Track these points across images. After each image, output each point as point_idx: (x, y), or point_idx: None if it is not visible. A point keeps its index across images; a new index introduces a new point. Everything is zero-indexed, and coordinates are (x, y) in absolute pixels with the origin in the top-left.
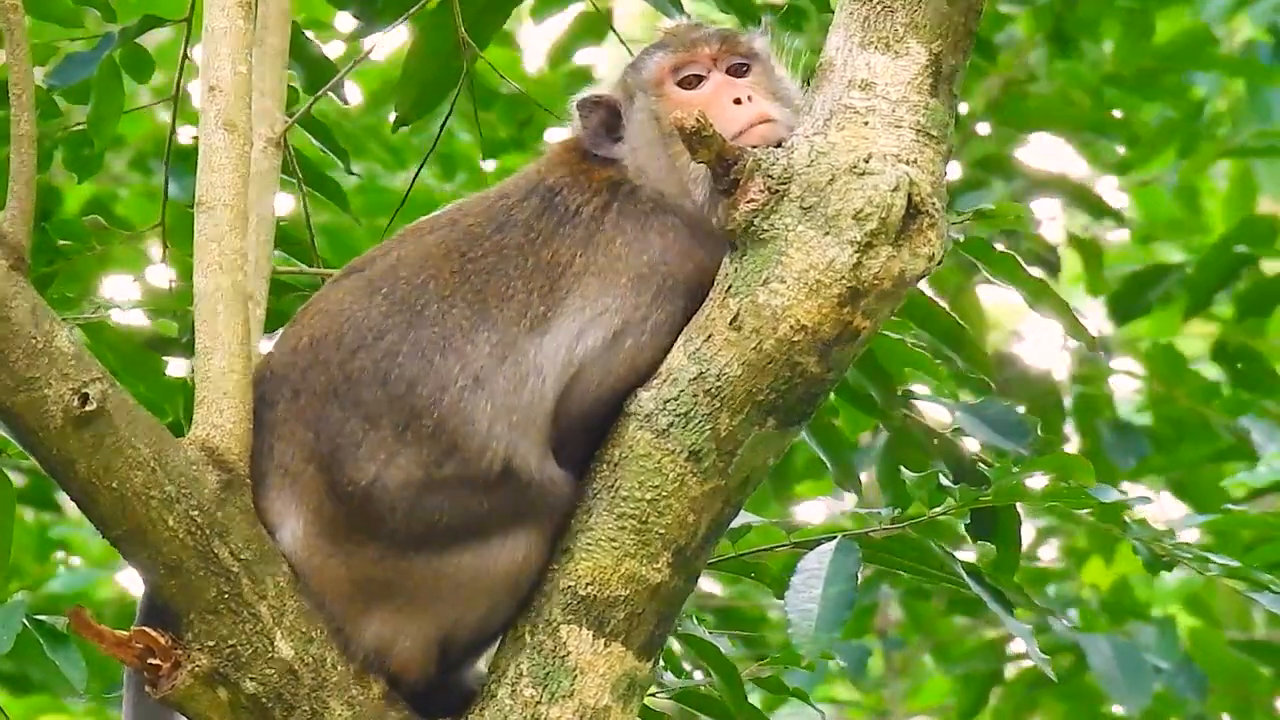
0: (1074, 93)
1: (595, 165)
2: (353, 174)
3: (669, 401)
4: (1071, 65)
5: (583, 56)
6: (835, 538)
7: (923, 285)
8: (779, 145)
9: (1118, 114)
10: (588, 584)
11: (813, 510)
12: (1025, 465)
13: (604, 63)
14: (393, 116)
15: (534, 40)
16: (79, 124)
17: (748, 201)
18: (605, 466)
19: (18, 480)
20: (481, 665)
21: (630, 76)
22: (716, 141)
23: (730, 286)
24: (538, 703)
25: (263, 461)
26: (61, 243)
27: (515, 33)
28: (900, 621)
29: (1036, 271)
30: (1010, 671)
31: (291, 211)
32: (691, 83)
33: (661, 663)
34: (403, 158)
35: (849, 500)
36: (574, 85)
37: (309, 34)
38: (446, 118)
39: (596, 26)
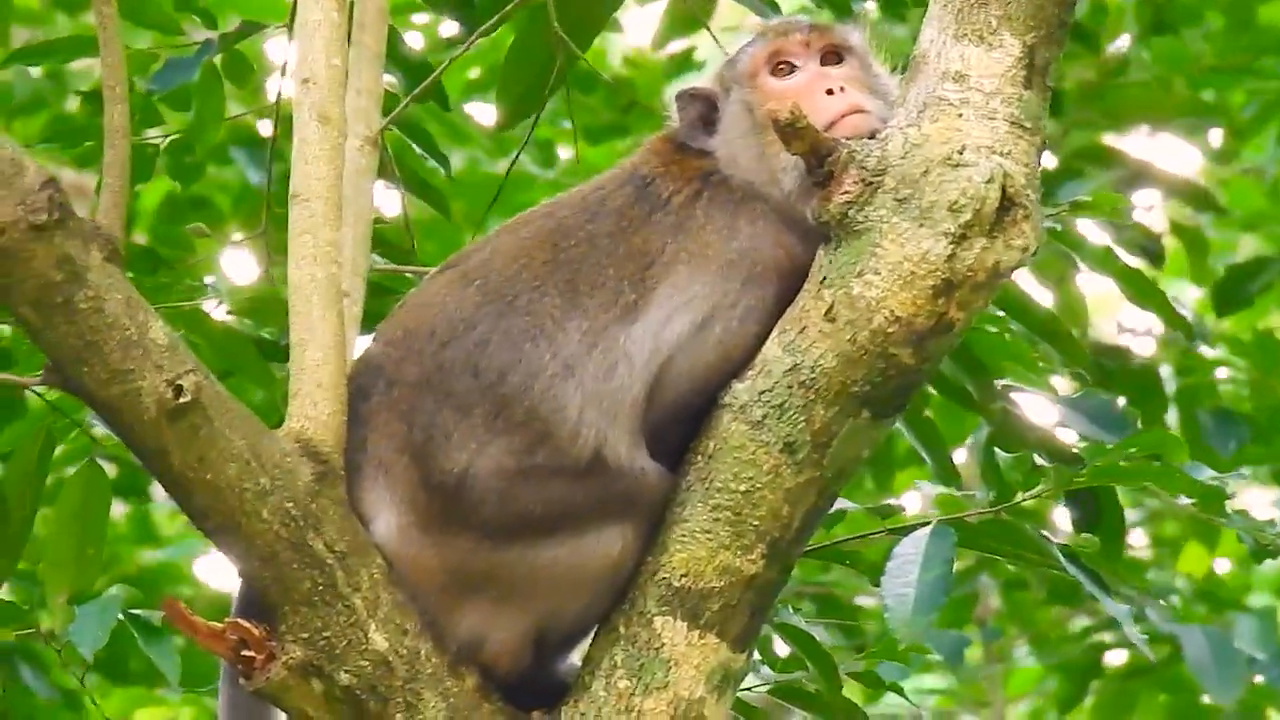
0: (1174, 81)
1: (689, 156)
2: (452, 179)
3: (763, 393)
4: (1174, 49)
5: (685, 43)
6: (930, 523)
7: (1023, 275)
8: (872, 136)
9: (1209, 98)
10: (682, 575)
11: (911, 498)
12: (1120, 445)
13: (707, 48)
14: (493, 118)
15: (637, 20)
16: (177, 132)
17: (842, 193)
18: (700, 458)
19: (111, 471)
20: (576, 657)
21: (726, 69)
22: (810, 133)
23: (825, 278)
24: (632, 694)
25: (357, 453)
26: (165, 251)
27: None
28: (999, 611)
29: (1138, 261)
30: (1108, 663)
31: (392, 215)
32: (785, 72)
33: (757, 655)
34: (505, 144)
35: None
36: (675, 71)
37: (405, 36)
38: (537, 116)
39: (693, 19)
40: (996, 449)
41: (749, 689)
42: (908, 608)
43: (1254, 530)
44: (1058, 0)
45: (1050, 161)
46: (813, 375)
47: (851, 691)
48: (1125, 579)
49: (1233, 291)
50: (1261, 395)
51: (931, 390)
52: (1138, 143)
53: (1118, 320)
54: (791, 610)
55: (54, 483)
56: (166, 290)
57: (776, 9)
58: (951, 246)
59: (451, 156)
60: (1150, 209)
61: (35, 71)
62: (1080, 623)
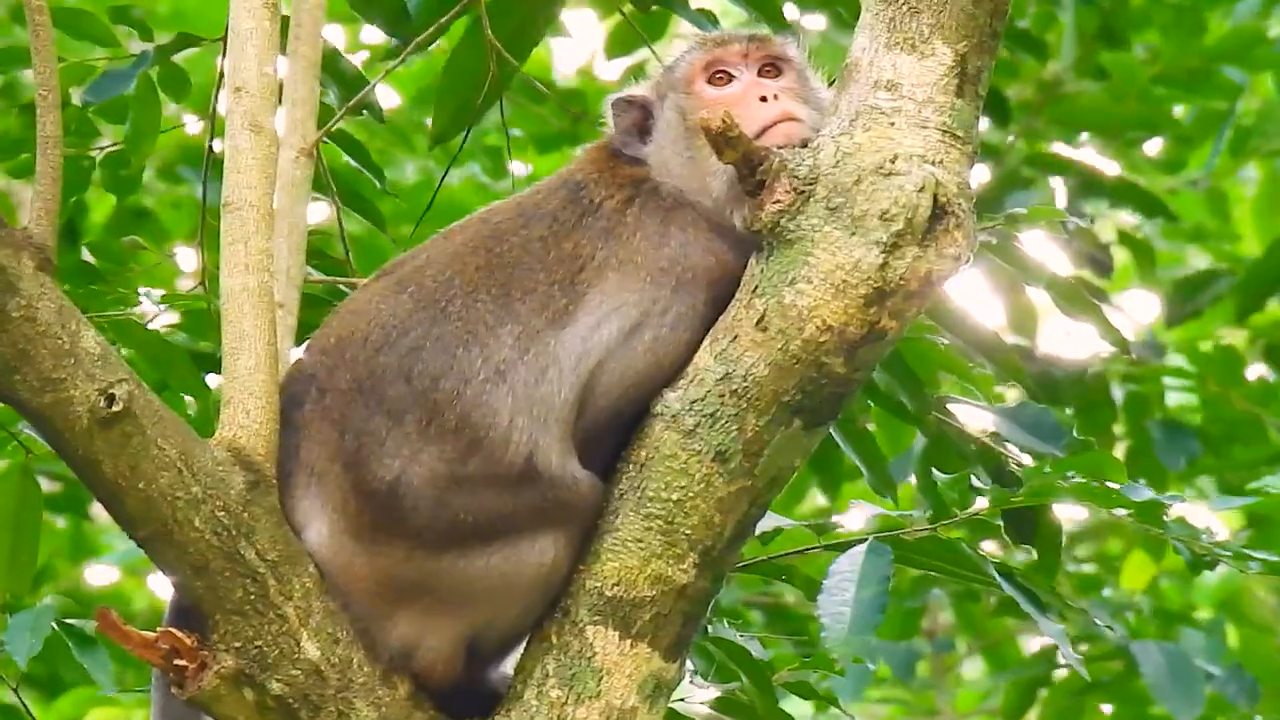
0: (1120, 91)
1: (623, 163)
2: (387, 193)
3: (695, 402)
4: (1120, 61)
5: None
6: (867, 540)
7: (975, 283)
8: (804, 145)
9: (1176, 110)
10: (614, 585)
11: (855, 515)
12: (1058, 465)
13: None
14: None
15: (585, 30)
16: (116, 144)
17: (774, 202)
18: (632, 467)
19: (51, 487)
20: (508, 666)
21: (664, 76)
22: (742, 142)
23: (756, 287)
24: (564, 703)
25: (289, 461)
26: (100, 264)
27: (564, 24)
28: (949, 623)
29: (1084, 272)
30: (1061, 674)
31: (325, 224)
32: (722, 81)
33: (694, 666)
34: (453, 153)
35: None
36: (625, 82)
37: (341, 49)
38: (470, 125)
39: (649, 29)
40: (934, 468)
41: (683, 699)
42: (844, 626)
43: (1189, 540)
44: (990, 9)
45: (994, 171)
46: (745, 384)
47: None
48: (1072, 595)
49: (1181, 304)
50: (1216, 408)
51: (869, 402)
52: (1086, 152)
53: (1067, 329)
54: (729, 624)
55: None
56: (99, 299)
57: (715, 23)
58: (883, 255)
59: (402, 167)
60: (1093, 220)
61: None
62: (1033, 633)
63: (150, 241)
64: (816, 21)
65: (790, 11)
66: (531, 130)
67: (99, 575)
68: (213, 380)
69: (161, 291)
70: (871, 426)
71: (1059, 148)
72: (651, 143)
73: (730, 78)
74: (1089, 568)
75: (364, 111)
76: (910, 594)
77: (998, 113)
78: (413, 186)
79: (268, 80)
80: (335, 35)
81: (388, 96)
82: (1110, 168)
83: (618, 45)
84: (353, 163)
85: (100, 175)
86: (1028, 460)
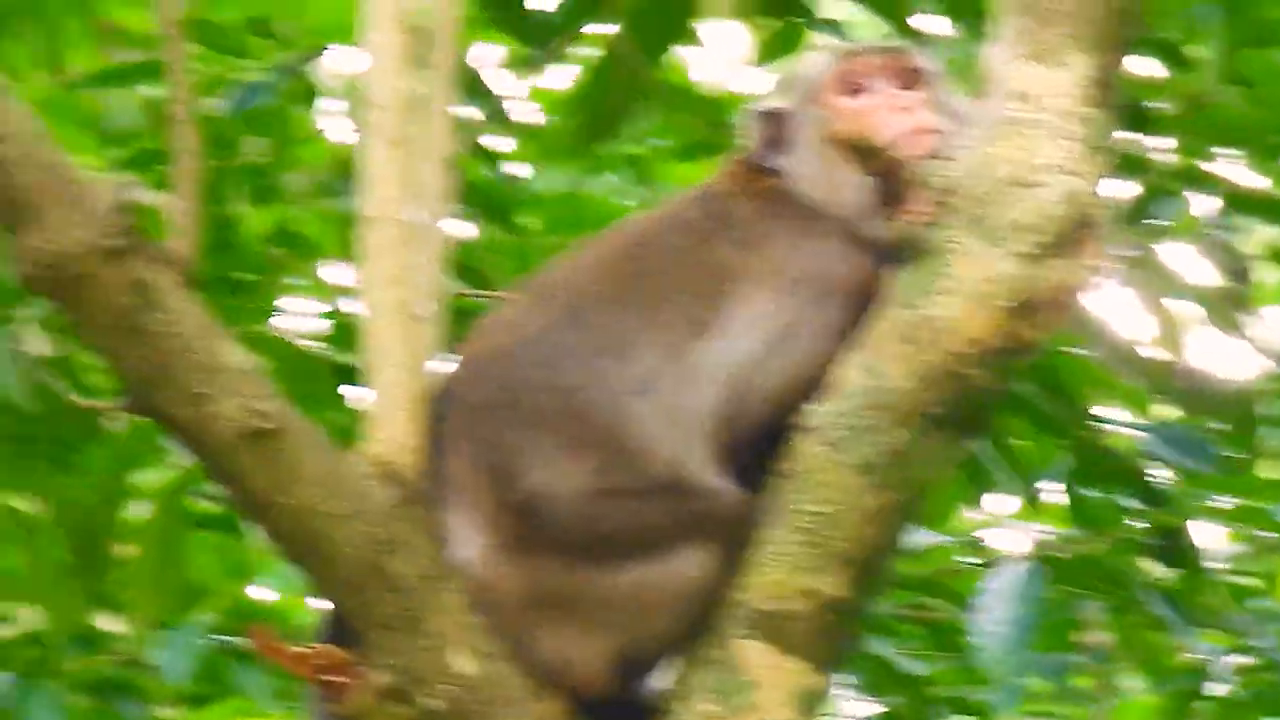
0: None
1: (761, 174)
2: (525, 203)
3: (841, 415)
4: (1263, 63)
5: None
6: (1021, 557)
7: (1120, 296)
8: (941, 157)
9: None
10: (765, 598)
11: (1006, 532)
12: (1208, 487)
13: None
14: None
15: (727, 39)
16: (255, 155)
17: (913, 213)
18: (779, 480)
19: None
20: (659, 680)
21: (800, 88)
22: (880, 154)
23: (900, 299)
24: (717, 717)
25: (435, 476)
26: (241, 275)
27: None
28: (1107, 637)
29: (1228, 283)
30: (1217, 689)
31: (468, 238)
32: (858, 92)
33: (847, 680)
34: (599, 163)
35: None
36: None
37: (483, 61)
38: (611, 132)
39: (792, 40)
40: (1083, 483)
41: (838, 715)
42: (999, 644)
43: None
44: (1125, 18)
45: (1136, 184)
46: (888, 396)
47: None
48: (1228, 605)
49: None
50: None
51: (1017, 415)
52: (1234, 166)
53: (1212, 344)
54: (887, 638)
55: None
56: (243, 314)
57: (841, 32)
58: (1023, 266)
59: (544, 177)
60: (1242, 233)
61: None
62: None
63: (299, 254)
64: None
65: (922, 21)
66: (676, 139)
67: (260, 594)
68: (356, 394)
69: (303, 303)
70: (1021, 441)
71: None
72: (789, 154)
73: (866, 90)
74: (1245, 580)
75: (502, 122)
76: (1063, 606)
77: (1140, 125)
78: (554, 199)
79: (404, 94)
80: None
81: (529, 110)
82: (1259, 182)
83: (760, 55)
84: (490, 173)
85: (241, 188)
86: (1170, 475)
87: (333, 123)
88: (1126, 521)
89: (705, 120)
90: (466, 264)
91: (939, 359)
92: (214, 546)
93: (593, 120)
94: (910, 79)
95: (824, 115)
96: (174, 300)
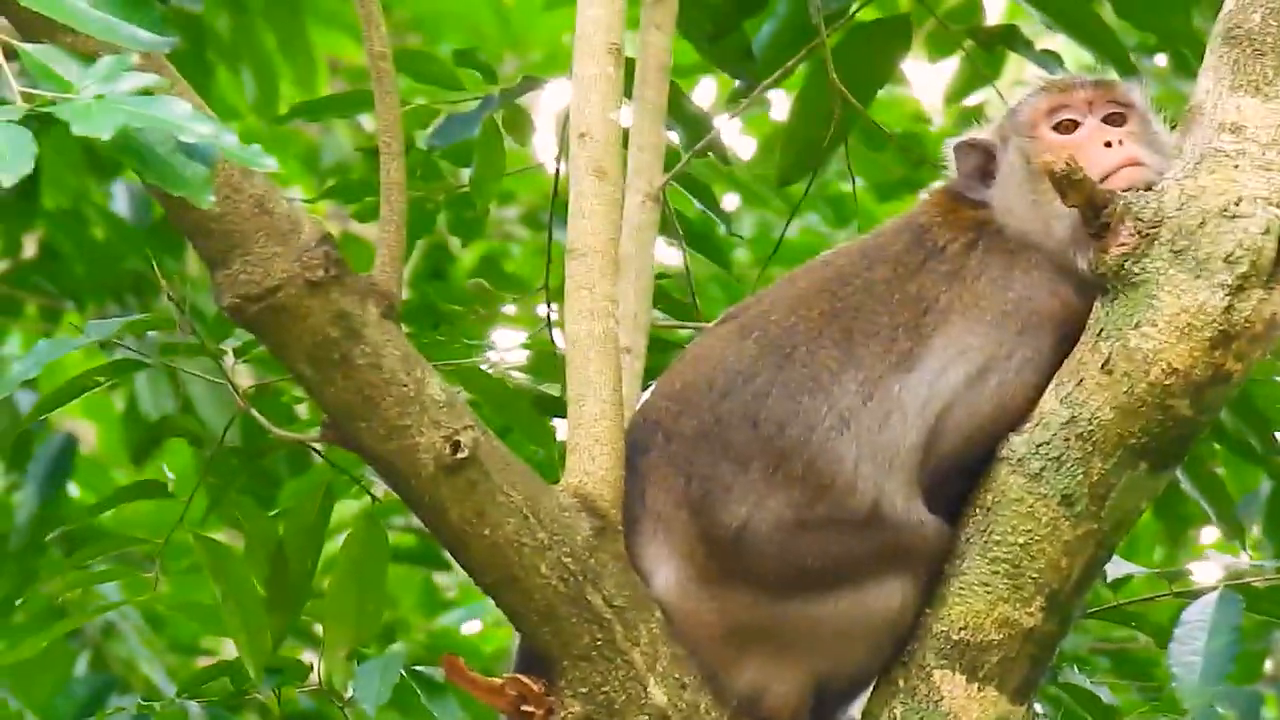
0: None
1: (965, 206)
2: (734, 235)
3: (1041, 445)
4: None
5: (977, 99)
6: (1217, 588)
7: None
8: (1147, 189)
9: None
10: (961, 628)
11: (1207, 564)
12: None
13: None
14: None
15: (928, 76)
16: (462, 187)
17: (1118, 245)
18: (978, 510)
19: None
20: (855, 710)
21: (1007, 120)
22: (1086, 185)
23: (1101, 330)
24: None
25: (635, 507)
26: (445, 306)
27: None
28: None
29: None
30: None
31: (672, 268)
32: (1067, 128)
33: (1041, 711)
34: (792, 202)
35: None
36: (963, 125)
37: (686, 92)
38: (815, 172)
39: (972, 82)
40: None
41: None
42: (1195, 676)
43: None
44: None
45: None
46: (1090, 427)
47: None
48: None
49: None
50: None
51: (1216, 445)
52: None
53: None
54: (1079, 669)
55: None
56: (444, 348)
57: (1061, 64)
58: (1228, 298)
59: (743, 219)
60: None
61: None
62: None
63: (509, 286)
64: (1158, 60)
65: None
66: (872, 178)
67: (458, 624)
68: (557, 425)
69: (507, 334)
70: (1219, 469)
71: None
72: (994, 186)
73: (1074, 123)
74: None
75: (710, 154)
76: (1254, 637)
77: None
78: (754, 238)
79: (612, 126)
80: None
81: (738, 144)
82: None
83: (957, 91)
84: (699, 205)
85: (446, 218)
86: None
87: (545, 155)
88: None
89: (905, 159)
90: (672, 294)
91: (1141, 390)
92: (410, 578)
93: (796, 157)
94: (1119, 112)
95: (1032, 147)
96: (376, 332)
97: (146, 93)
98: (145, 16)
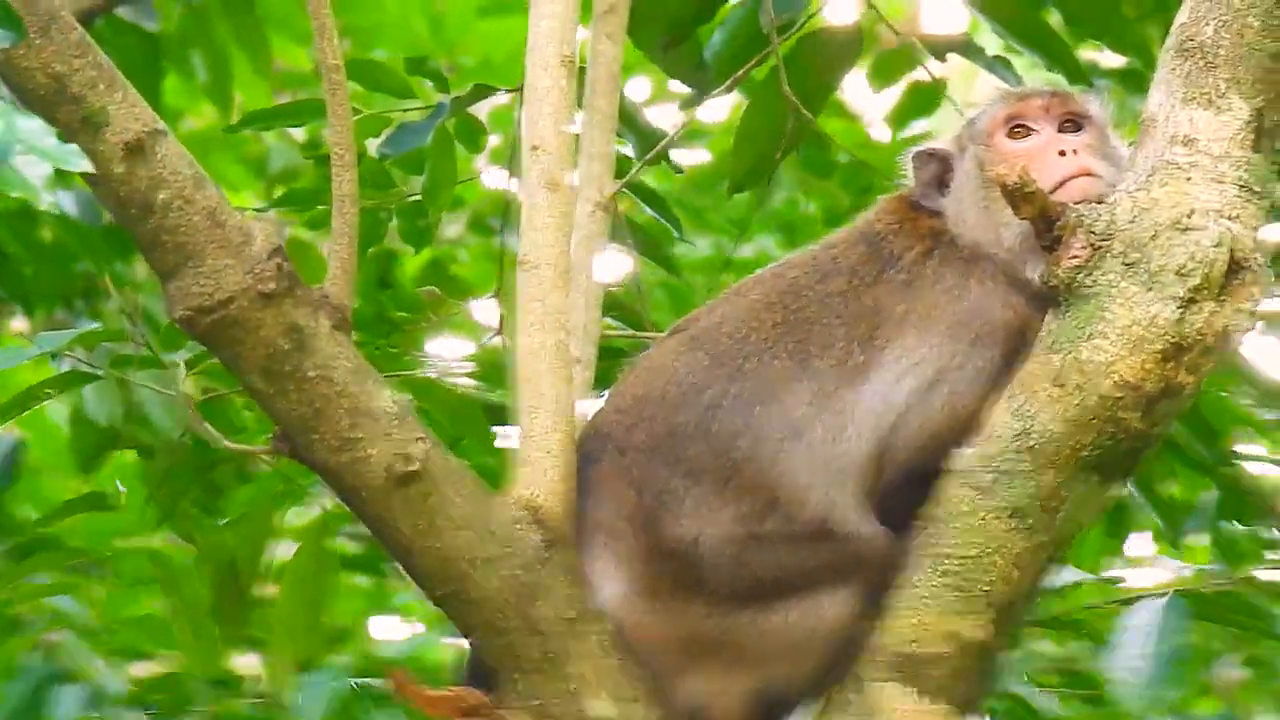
0: None
1: (921, 215)
2: (685, 240)
3: (991, 459)
4: None
5: (922, 125)
6: (1162, 593)
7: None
8: (1100, 201)
9: None
10: (910, 641)
11: (1149, 570)
12: None
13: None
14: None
15: (869, 104)
16: (413, 195)
17: (1070, 258)
18: (928, 524)
19: (353, 548)
20: None
21: (965, 130)
22: (1039, 198)
23: (1053, 342)
24: None
25: (585, 520)
26: (396, 314)
27: (850, 101)
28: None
29: None
30: None
31: (623, 277)
32: (1022, 135)
33: None
34: (748, 229)
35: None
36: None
37: (637, 101)
38: (770, 175)
39: (931, 98)
40: (1227, 521)
41: None
42: (1139, 680)
43: None
44: None
45: None
46: (1041, 440)
47: None
48: None
49: None
50: None
51: (1165, 455)
52: None
53: None
54: (1026, 681)
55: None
56: (395, 359)
57: (1012, 71)
58: (1180, 310)
59: (696, 243)
60: None
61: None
62: None
63: (458, 294)
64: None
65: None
66: (821, 204)
67: (394, 632)
68: (505, 434)
69: (455, 340)
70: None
71: None
72: (949, 195)
73: (1030, 132)
74: None
75: (662, 162)
76: (1203, 662)
77: None
78: (703, 261)
79: (565, 138)
80: (641, 85)
81: (688, 155)
82: None
83: (903, 114)
84: (651, 213)
85: (398, 226)
86: None
87: (489, 162)
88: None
89: (853, 185)
90: (620, 301)
91: (1093, 402)
92: (354, 588)
93: (748, 166)
94: (1075, 123)
95: (987, 156)
96: (328, 344)
97: None
98: None
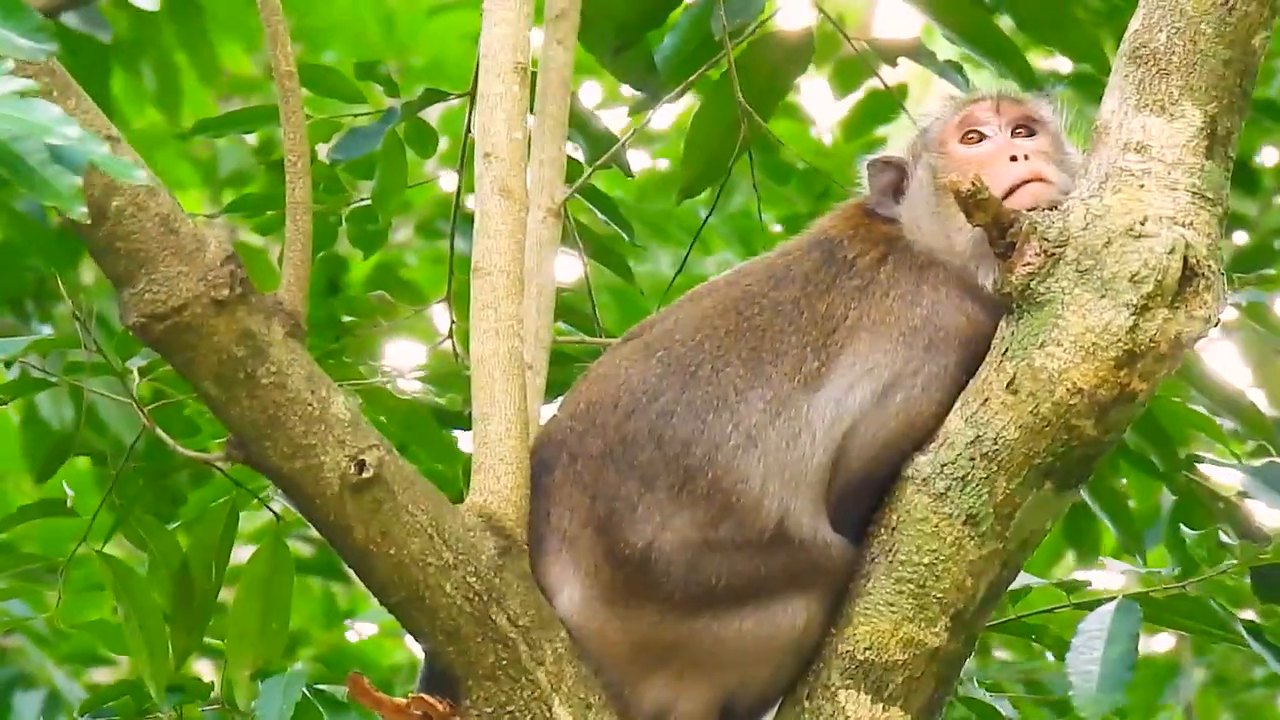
0: None
1: (876, 222)
2: (636, 244)
3: (946, 465)
4: None
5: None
6: (1116, 598)
7: (1221, 350)
8: (1053, 207)
9: None
10: (866, 648)
11: (1105, 574)
12: None
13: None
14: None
15: (826, 111)
16: (363, 199)
17: (1024, 264)
18: (883, 531)
19: (306, 550)
20: None
21: (919, 137)
22: (992, 205)
23: (1007, 350)
24: None
25: (540, 526)
26: (347, 319)
27: (802, 105)
28: (1201, 686)
29: None
30: None
31: (575, 281)
32: (975, 140)
33: None
34: (704, 241)
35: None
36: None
37: (589, 106)
38: (724, 182)
39: (889, 105)
40: (1183, 527)
41: None
42: (1092, 684)
43: None
44: (1239, 70)
45: (1244, 240)
46: (995, 447)
47: None
48: None
49: None
50: None
51: (1119, 460)
52: None
53: None
54: (983, 687)
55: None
56: (348, 367)
57: (963, 75)
58: (1133, 317)
59: (656, 255)
60: None
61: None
62: None
63: (407, 298)
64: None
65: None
66: (777, 211)
67: (355, 634)
68: (459, 439)
69: (408, 345)
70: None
71: None
72: (904, 202)
73: (983, 137)
74: None
75: (613, 166)
76: (1165, 671)
77: (1247, 181)
78: (656, 273)
79: (517, 145)
80: (592, 89)
81: (644, 160)
82: None
83: (858, 123)
84: (602, 218)
85: (348, 231)
86: (1276, 518)
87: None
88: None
89: (808, 191)
90: (573, 307)
91: (1046, 409)
92: (311, 592)
93: (699, 170)
94: (1028, 128)
95: (940, 163)
96: (282, 351)
97: (19, 96)
98: (23, 24)
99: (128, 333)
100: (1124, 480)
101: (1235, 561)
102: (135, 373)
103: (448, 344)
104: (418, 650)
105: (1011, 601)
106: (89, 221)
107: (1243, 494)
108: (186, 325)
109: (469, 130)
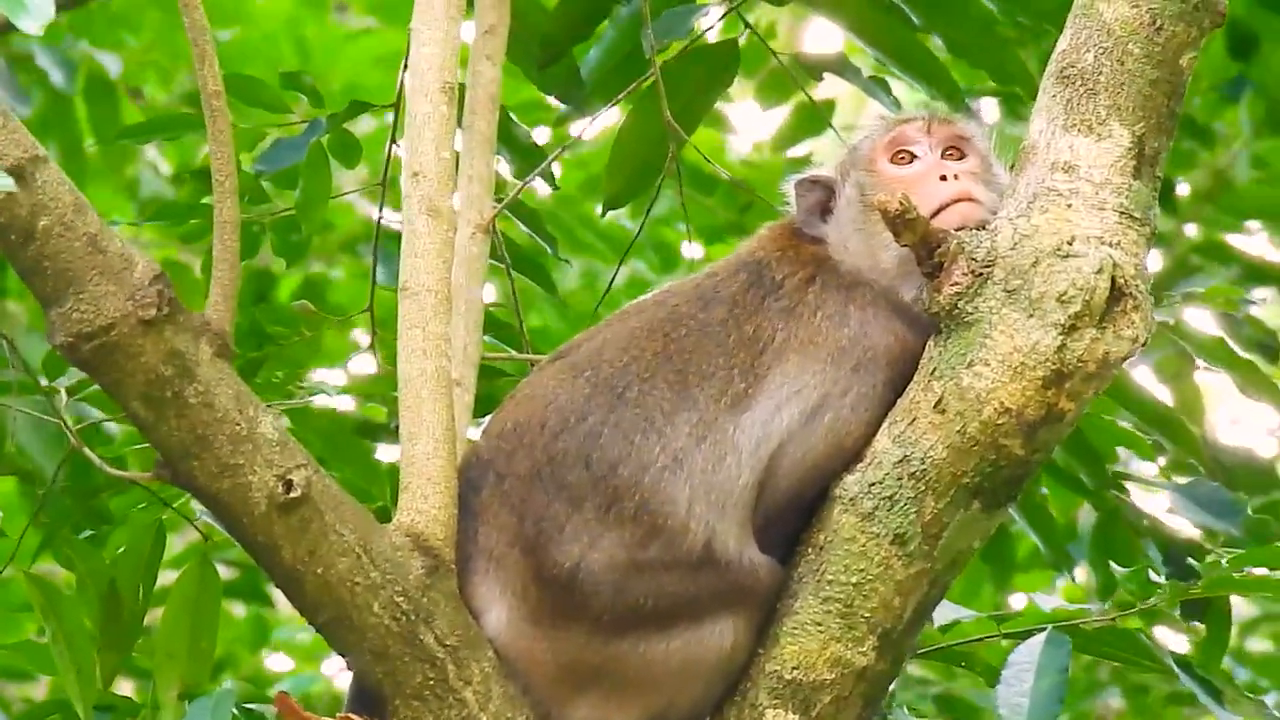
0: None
1: (804, 243)
2: (563, 259)
3: (873, 485)
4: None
5: (804, 146)
6: (1045, 629)
7: (1140, 370)
8: (981, 227)
9: None
10: (793, 668)
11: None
12: (1235, 560)
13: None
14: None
15: (750, 123)
16: (287, 209)
17: (952, 284)
18: (810, 550)
19: (228, 574)
20: None
21: (847, 156)
22: (920, 225)
23: (935, 369)
24: None
25: (468, 546)
26: (271, 328)
27: (727, 116)
28: (1121, 712)
29: (1254, 357)
30: None
31: (501, 297)
32: (904, 160)
33: None
34: (624, 249)
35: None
36: (793, 170)
37: (516, 120)
38: (652, 201)
39: (817, 120)
40: (1107, 545)
41: None
42: (1022, 716)
43: None
44: (1167, 90)
45: (1166, 258)
46: (923, 467)
47: None
48: (1251, 677)
49: None
50: None
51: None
52: (1255, 241)
53: (1231, 417)
54: (908, 710)
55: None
56: (276, 388)
57: (889, 92)
58: (1061, 337)
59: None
60: (1266, 305)
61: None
62: None
63: (332, 312)
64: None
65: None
66: (700, 222)
67: (279, 663)
68: (383, 453)
69: (341, 378)
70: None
71: (1231, 238)
72: (831, 222)
73: (913, 157)
74: (1267, 645)
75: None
76: (1085, 693)
77: (1166, 202)
78: (581, 286)
79: (445, 164)
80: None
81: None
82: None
83: (793, 134)
84: (528, 232)
85: (271, 240)
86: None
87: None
88: (1154, 580)
89: (733, 203)
90: (501, 321)
91: (974, 429)
92: (233, 618)
93: (623, 183)
94: (958, 148)
95: (869, 182)
96: (210, 371)
97: None
98: None
99: (55, 353)
100: (1044, 490)
101: (1164, 595)
102: (63, 392)
103: (367, 356)
104: (340, 680)
105: (942, 630)
106: None
107: (1171, 511)
108: (114, 345)
109: (394, 141)
